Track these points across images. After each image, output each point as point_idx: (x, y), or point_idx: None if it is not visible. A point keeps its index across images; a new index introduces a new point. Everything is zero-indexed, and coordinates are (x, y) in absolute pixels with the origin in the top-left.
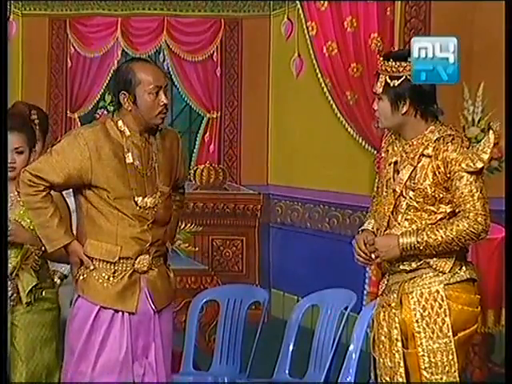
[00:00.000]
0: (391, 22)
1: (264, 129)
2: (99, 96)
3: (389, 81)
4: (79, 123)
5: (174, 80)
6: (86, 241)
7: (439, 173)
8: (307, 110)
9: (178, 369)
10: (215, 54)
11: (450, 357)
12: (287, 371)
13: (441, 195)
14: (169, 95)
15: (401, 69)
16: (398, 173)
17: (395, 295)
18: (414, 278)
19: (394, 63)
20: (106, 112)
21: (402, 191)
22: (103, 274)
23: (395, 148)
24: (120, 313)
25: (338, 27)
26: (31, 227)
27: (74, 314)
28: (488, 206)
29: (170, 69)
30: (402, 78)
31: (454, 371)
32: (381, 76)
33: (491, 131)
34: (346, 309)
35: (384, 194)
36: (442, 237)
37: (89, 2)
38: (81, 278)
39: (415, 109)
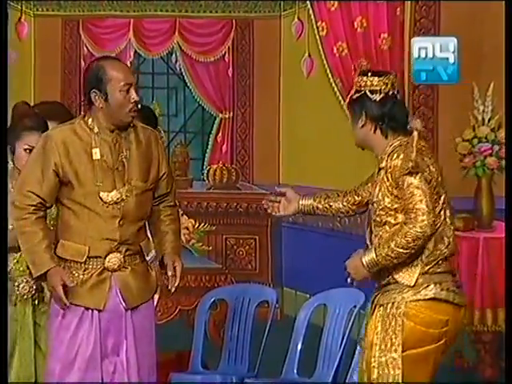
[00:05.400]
0: (401, 22)
1: (275, 128)
2: None
3: (352, 93)
4: None
5: (187, 81)
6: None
7: (389, 184)
8: (318, 109)
9: (186, 368)
10: (227, 54)
11: (397, 371)
12: (295, 370)
13: (395, 205)
14: (181, 96)
15: (363, 83)
16: None
17: (370, 305)
18: (387, 291)
19: (358, 78)
20: None
21: (371, 208)
22: (74, 273)
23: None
24: (90, 310)
25: (348, 27)
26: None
27: (50, 313)
28: (431, 204)
29: (183, 70)
30: (361, 93)
31: None
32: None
33: (415, 131)
34: (354, 307)
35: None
36: (394, 245)
37: (101, 2)
38: None
39: (373, 124)
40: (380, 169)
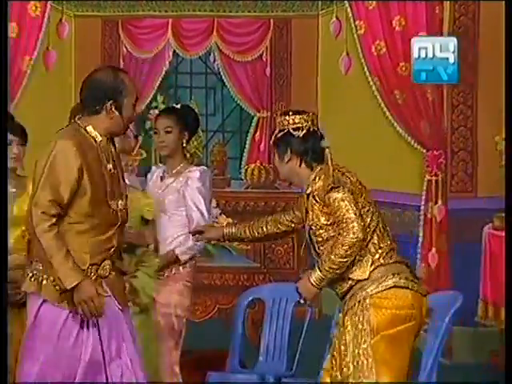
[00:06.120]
0: (440, 20)
1: None
2: (151, 96)
3: (276, 132)
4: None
5: (225, 80)
6: None
7: (319, 204)
8: (355, 108)
9: (224, 367)
10: (264, 54)
11: (370, 360)
12: None
13: (330, 221)
14: (219, 95)
15: (285, 122)
16: None
17: (341, 314)
18: (352, 295)
19: (281, 118)
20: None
21: (309, 233)
22: None
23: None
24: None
25: (386, 26)
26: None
27: (39, 321)
28: (358, 211)
29: (221, 69)
30: (285, 131)
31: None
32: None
33: (327, 149)
34: None
35: None
36: (334, 256)
37: (140, 2)
38: (44, 282)
39: (298, 159)
40: (308, 195)
